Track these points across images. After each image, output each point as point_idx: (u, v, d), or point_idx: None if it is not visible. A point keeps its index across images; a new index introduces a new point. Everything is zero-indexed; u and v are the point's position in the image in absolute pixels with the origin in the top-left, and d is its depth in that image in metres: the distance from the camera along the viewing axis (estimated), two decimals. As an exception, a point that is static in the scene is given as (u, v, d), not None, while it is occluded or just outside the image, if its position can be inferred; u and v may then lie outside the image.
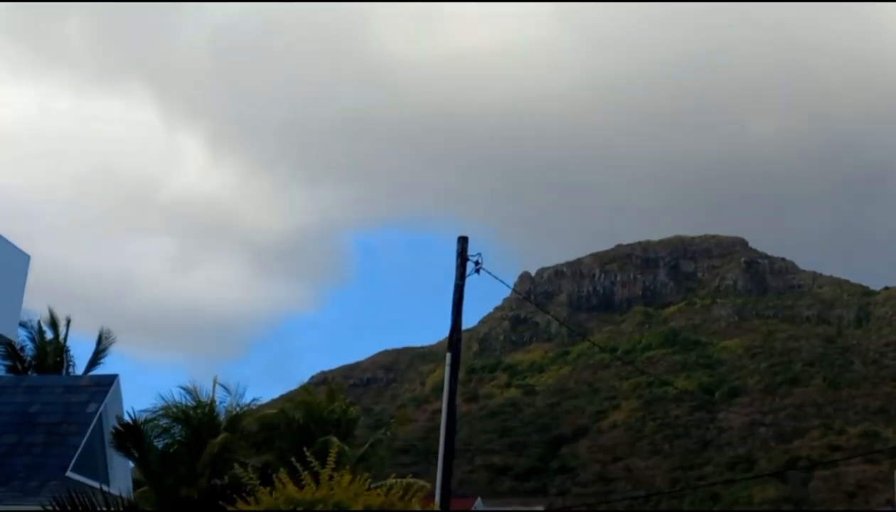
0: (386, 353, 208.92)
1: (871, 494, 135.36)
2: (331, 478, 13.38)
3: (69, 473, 18.69)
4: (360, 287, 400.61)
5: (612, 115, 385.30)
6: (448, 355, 16.18)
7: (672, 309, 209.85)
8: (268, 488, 13.02)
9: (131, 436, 14.50)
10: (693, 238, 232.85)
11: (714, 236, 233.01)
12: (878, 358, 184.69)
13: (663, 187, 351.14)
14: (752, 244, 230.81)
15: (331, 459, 13.46)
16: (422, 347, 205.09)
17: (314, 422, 20.12)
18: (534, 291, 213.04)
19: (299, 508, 12.58)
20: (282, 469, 13.77)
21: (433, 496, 17.66)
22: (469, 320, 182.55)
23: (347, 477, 13.34)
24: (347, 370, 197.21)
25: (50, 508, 13.60)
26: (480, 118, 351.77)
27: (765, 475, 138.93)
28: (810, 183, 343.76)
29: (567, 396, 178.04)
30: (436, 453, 16.80)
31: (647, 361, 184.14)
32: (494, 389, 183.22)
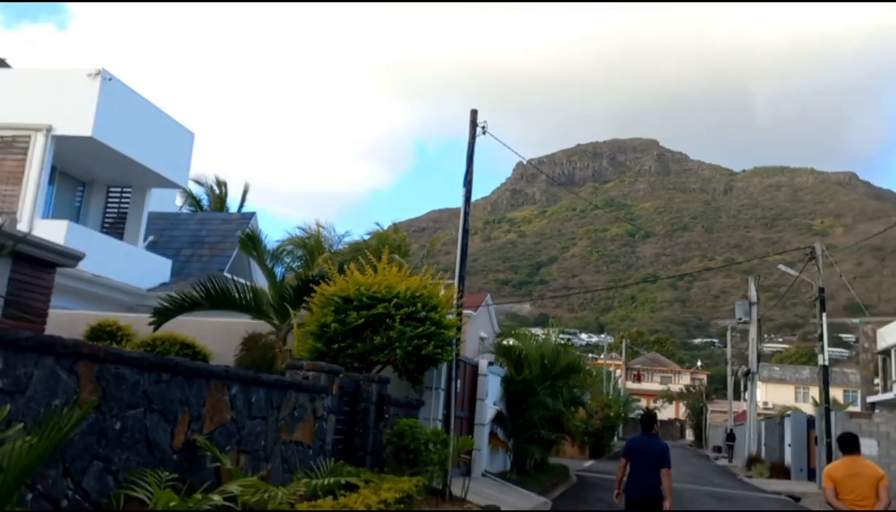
0: (434, 211, 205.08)
1: (728, 296, 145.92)
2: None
3: (225, 273, 17.25)
4: (418, 171, 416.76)
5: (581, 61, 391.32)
6: (463, 190, 14.56)
7: (610, 184, 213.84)
8: (342, 276, 12.42)
9: (251, 240, 13.24)
10: (625, 139, 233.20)
11: (638, 138, 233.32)
12: (736, 214, 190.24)
13: (609, 105, 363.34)
14: (661, 143, 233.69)
15: (384, 259, 12.76)
16: (456, 208, 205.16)
17: (381, 244, 14.43)
18: (525, 174, 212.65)
19: (361, 287, 12.01)
20: (352, 264, 12.82)
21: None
22: (484, 192, 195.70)
23: (395, 268, 12.71)
24: (410, 222, 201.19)
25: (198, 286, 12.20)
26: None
27: (663, 279, 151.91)
28: (698, 102, 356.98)
29: (544, 238, 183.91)
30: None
31: (595, 216, 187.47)
32: (500, 234, 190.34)
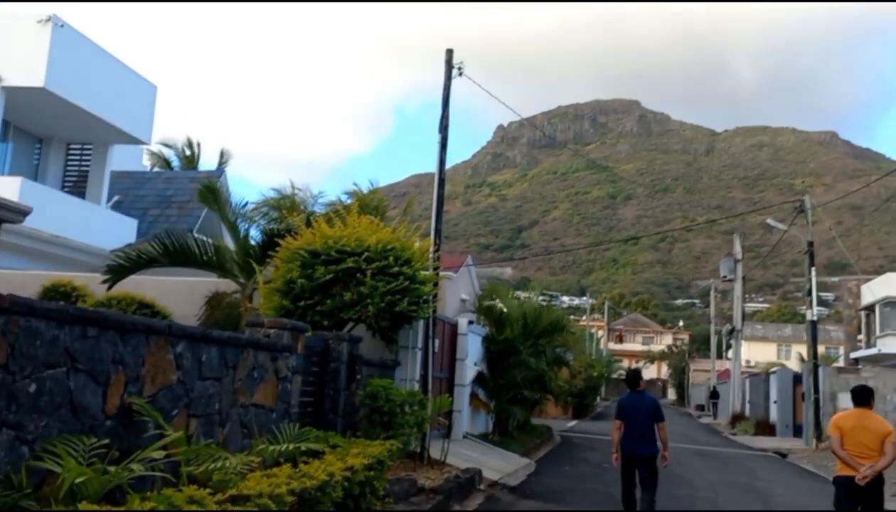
0: (415, 175, 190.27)
1: (709, 257, 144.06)
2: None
3: (194, 233, 15.48)
4: (398, 135, 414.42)
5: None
6: (439, 136, 13.10)
7: (592, 146, 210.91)
8: (310, 230, 11.41)
9: (210, 192, 12.30)
10: (606, 100, 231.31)
11: (619, 99, 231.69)
12: (717, 175, 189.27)
13: (590, 66, 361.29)
14: (643, 104, 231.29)
15: (353, 210, 11.92)
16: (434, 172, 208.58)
17: (359, 206, 12.92)
18: (505, 137, 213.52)
19: (329, 240, 11.05)
20: (320, 216, 11.97)
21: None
22: (464, 156, 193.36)
23: (366, 220, 11.78)
24: (391, 187, 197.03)
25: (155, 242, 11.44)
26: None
27: (647, 236, 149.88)
28: (678, 63, 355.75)
29: (526, 201, 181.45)
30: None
31: (576, 178, 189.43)
32: (481, 198, 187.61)
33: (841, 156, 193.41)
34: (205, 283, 12.77)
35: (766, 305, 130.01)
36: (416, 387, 12.69)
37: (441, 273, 32.43)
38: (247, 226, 13.10)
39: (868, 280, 40.83)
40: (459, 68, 13.77)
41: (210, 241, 12.59)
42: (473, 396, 17.18)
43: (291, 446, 6.86)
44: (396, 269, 11.27)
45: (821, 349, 55.62)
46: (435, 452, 12.19)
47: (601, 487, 13.19)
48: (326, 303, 11.07)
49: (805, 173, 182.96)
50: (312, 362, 10.39)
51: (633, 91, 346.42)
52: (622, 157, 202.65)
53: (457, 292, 28.92)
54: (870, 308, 38.92)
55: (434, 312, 12.76)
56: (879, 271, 47.14)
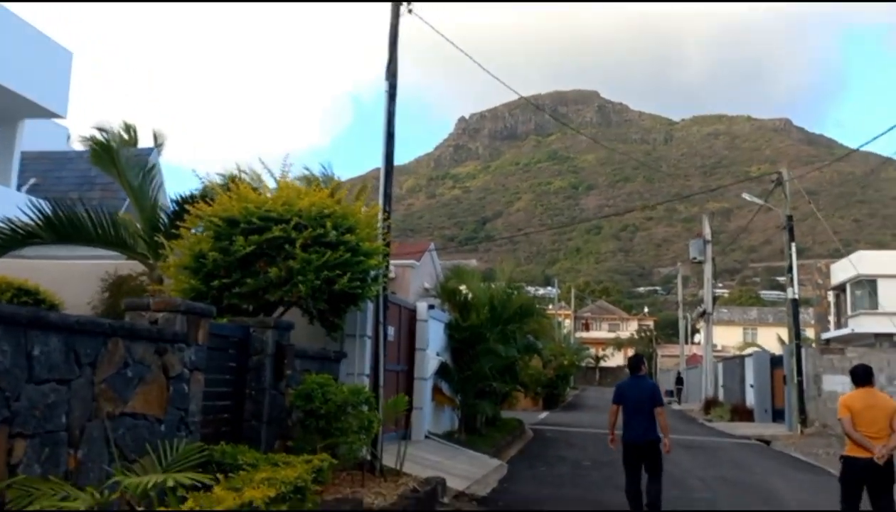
0: (377, 169, 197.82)
1: (670, 244, 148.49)
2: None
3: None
4: (357, 127, 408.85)
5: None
6: (386, 84, 10.70)
7: (552, 137, 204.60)
8: (227, 194, 9.24)
9: (105, 151, 10.16)
10: (566, 91, 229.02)
11: (579, 90, 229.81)
12: (676, 163, 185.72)
13: (548, 58, 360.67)
14: (602, 94, 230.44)
15: (282, 175, 9.95)
16: (400, 165, 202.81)
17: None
18: (467, 128, 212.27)
19: (250, 206, 8.89)
20: (242, 179, 9.98)
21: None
22: (427, 148, 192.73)
23: (297, 185, 9.88)
24: (353, 181, 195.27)
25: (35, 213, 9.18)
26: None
27: (609, 216, 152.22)
28: (632, 54, 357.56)
29: (489, 193, 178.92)
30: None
31: (538, 169, 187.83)
32: (445, 190, 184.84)
33: (795, 142, 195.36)
34: (104, 265, 10.43)
35: (724, 291, 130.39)
36: (366, 382, 10.50)
37: (403, 261, 30.64)
38: (154, 193, 10.58)
39: (832, 263, 39.92)
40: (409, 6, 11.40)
41: (108, 213, 10.24)
42: (436, 390, 15.04)
43: (158, 479, 4.58)
44: (335, 237, 9.02)
45: (785, 332, 54.81)
46: (390, 458, 10.04)
47: (585, 494, 11.17)
48: (247, 282, 8.80)
49: (761, 160, 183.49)
50: (227, 356, 8.15)
51: (591, 82, 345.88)
52: (583, 148, 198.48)
53: (420, 281, 26.88)
54: (840, 288, 37.87)
55: (386, 291, 10.53)
56: (835, 255, 46.84)
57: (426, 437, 13.86)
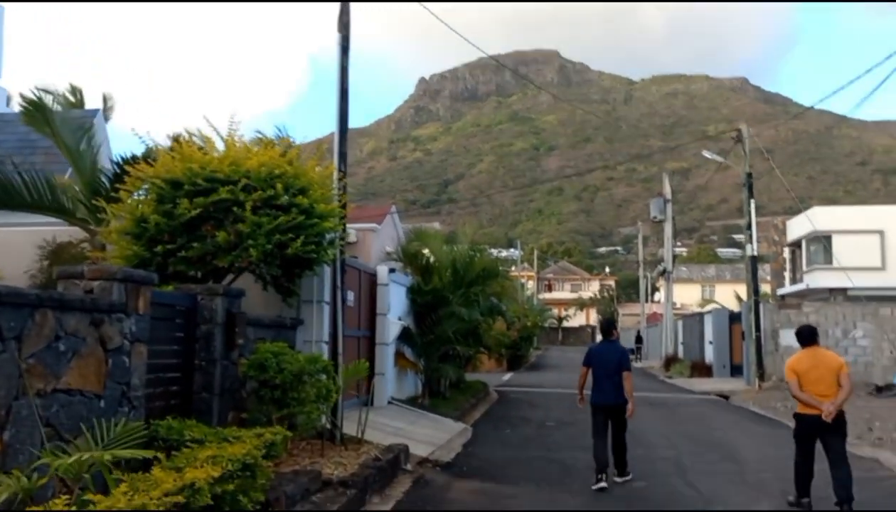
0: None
1: (630, 204, 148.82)
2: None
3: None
4: (317, 88, 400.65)
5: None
6: (339, 36, 9.80)
7: (514, 97, 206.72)
8: (172, 154, 8.72)
9: (38, 109, 9.63)
10: (527, 51, 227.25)
11: (539, 50, 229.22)
12: (636, 124, 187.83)
13: (510, 20, 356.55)
14: (562, 54, 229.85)
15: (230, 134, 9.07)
16: (361, 127, 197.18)
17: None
18: (427, 90, 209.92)
19: (195, 166, 8.34)
20: (189, 140, 9.14)
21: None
22: (387, 110, 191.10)
23: (246, 146, 9.00)
24: (311, 145, 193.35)
25: None
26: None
27: (570, 177, 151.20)
28: (590, 13, 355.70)
29: (451, 155, 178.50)
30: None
31: (499, 131, 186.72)
32: (406, 153, 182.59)
33: (752, 101, 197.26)
34: (42, 232, 9.82)
35: (683, 250, 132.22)
36: (324, 349, 10.15)
37: (364, 225, 30.03)
38: (94, 155, 9.94)
39: (787, 220, 40.39)
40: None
41: (44, 176, 9.55)
42: (399, 355, 14.76)
43: (92, 456, 4.18)
44: (286, 199, 8.56)
45: (743, 288, 55.76)
46: (352, 426, 9.76)
47: (550, 454, 11.05)
48: (193, 247, 8.33)
49: (718, 119, 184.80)
50: (174, 326, 7.71)
51: (552, 41, 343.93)
52: (544, 109, 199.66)
53: (381, 244, 26.37)
54: (796, 244, 38.37)
55: (343, 254, 10.12)
56: (790, 212, 47.64)
57: (389, 402, 13.61)
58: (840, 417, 7.33)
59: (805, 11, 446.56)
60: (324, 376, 8.37)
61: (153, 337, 7.02)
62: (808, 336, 7.73)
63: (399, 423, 11.93)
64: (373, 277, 13.70)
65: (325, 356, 10.03)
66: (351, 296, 12.40)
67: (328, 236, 9.47)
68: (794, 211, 48.03)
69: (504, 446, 11.78)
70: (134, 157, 9.43)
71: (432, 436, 11.53)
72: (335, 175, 9.83)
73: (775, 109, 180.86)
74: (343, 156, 10.09)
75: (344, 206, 9.88)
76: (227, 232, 8.29)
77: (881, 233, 33.15)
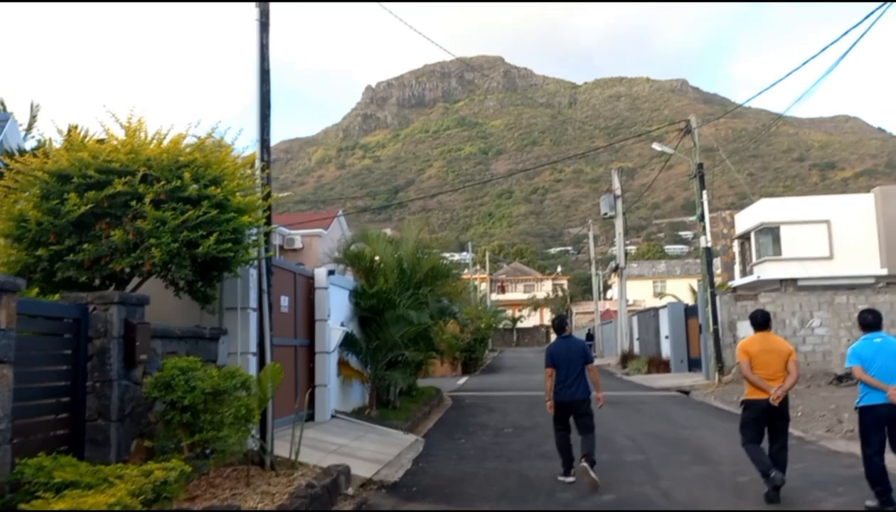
0: (285, 141, 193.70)
1: (578, 205, 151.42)
2: None
3: None
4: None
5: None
6: (257, 10, 8.74)
7: (460, 103, 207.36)
8: (63, 145, 7.61)
9: None
10: (472, 57, 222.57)
11: (484, 56, 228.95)
12: (581, 126, 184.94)
13: (455, 24, 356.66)
14: (507, 59, 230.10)
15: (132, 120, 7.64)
16: (308, 137, 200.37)
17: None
18: (374, 97, 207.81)
19: (86, 156, 7.14)
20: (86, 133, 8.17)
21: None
22: (335, 119, 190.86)
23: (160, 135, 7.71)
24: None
25: None
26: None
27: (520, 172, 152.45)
28: (533, 20, 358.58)
29: (400, 161, 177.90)
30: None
31: (447, 136, 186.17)
32: (355, 160, 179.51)
33: (692, 102, 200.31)
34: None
35: (632, 247, 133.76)
36: (251, 362, 8.92)
37: (310, 231, 28.70)
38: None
39: (734, 213, 40.42)
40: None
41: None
42: (343, 363, 13.56)
43: None
44: (196, 191, 7.34)
45: (693, 283, 56.00)
46: (286, 446, 8.57)
47: (509, 465, 10.01)
48: (84, 248, 7.03)
49: (661, 120, 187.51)
50: (59, 342, 6.44)
51: (496, 47, 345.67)
52: (490, 113, 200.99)
53: (329, 250, 25.20)
54: (745, 236, 38.26)
55: (269, 252, 8.89)
56: (734, 208, 48.09)
57: (333, 416, 12.41)
58: (783, 402, 7.49)
59: (733, 9, 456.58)
60: (244, 393, 7.15)
61: (28, 356, 5.81)
62: (761, 321, 7.87)
63: (342, 439, 10.74)
64: (310, 280, 12.49)
65: (253, 369, 8.84)
66: (285, 301, 11.19)
67: (250, 233, 8.28)
68: (739, 207, 48.44)
69: (458, 459, 10.70)
70: (21, 151, 8.07)
71: (379, 452, 10.38)
72: (257, 163, 8.59)
73: (714, 109, 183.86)
74: (266, 143, 8.85)
75: (267, 197, 8.66)
76: (124, 230, 7.04)
77: (828, 222, 33.14)
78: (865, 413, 6.92)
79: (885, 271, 31.89)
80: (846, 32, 12.31)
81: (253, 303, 9.13)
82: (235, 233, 7.65)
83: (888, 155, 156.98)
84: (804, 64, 15.27)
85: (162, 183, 7.21)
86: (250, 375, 7.53)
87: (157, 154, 7.31)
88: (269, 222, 8.74)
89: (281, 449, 8.70)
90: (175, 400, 6.65)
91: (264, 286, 8.75)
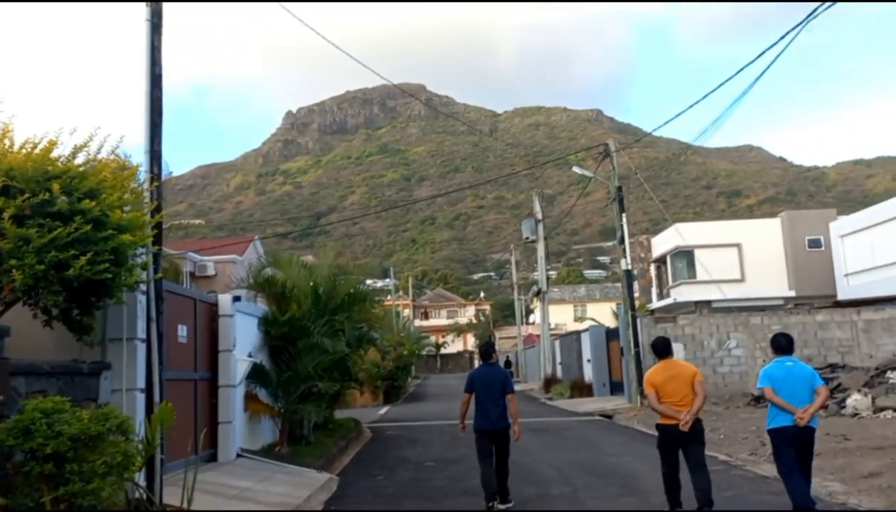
0: (202, 166, 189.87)
1: (500, 231, 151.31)
2: None
3: None
4: (177, 124, 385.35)
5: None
6: (147, 10, 8.12)
7: (383, 130, 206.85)
8: None
9: None
10: (394, 85, 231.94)
11: (407, 83, 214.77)
12: (502, 154, 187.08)
13: (375, 53, 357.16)
14: (428, 87, 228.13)
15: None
16: (227, 162, 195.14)
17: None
18: (295, 123, 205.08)
19: None
20: None
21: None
22: (254, 144, 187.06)
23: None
24: (175, 180, 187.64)
25: None
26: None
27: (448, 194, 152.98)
28: (453, 50, 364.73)
29: (322, 188, 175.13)
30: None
31: (370, 163, 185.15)
32: (275, 186, 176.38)
33: (607, 131, 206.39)
34: None
35: (553, 272, 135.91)
36: (137, 398, 7.90)
37: (224, 256, 27.39)
38: None
39: (650, 238, 41.37)
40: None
41: None
42: (250, 397, 12.54)
43: None
44: (66, 205, 6.38)
45: (612, 305, 56.88)
46: (176, 492, 7.57)
47: (431, 505, 9.27)
48: (-75, 272, 5.96)
49: (578, 148, 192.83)
50: None
51: (418, 75, 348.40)
52: (413, 141, 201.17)
53: (243, 276, 24.03)
54: (661, 260, 39.02)
55: (159, 274, 7.94)
56: (649, 233, 49.39)
57: (238, 455, 11.37)
58: (697, 425, 7.51)
59: (642, 42, 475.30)
60: (122, 437, 6.18)
61: None
62: (662, 348, 7.87)
63: (246, 481, 9.76)
64: (213, 307, 11.49)
65: (141, 408, 7.83)
66: (184, 330, 10.18)
67: (137, 253, 7.33)
68: (654, 232, 49.80)
69: (375, 499, 9.87)
70: None
71: (287, 494, 9.45)
72: (145, 176, 7.66)
73: (628, 138, 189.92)
74: (156, 154, 7.94)
75: (155, 213, 7.72)
76: (-23, 249, 5.99)
77: (739, 246, 34.06)
78: (775, 435, 7.15)
79: (792, 293, 32.95)
80: (743, 68, 12.46)
81: (141, 333, 8.13)
82: (115, 253, 6.69)
83: (789, 183, 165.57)
84: (705, 97, 15.62)
85: (26, 196, 6.24)
86: (127, 416, 6.54)
87: (20, 162, 6.33)
88: (158, 241, 7.82)
89: (173, 497, 7.70)
90: (35, 448, 5.65)
91: (153, 314, 7.79)
